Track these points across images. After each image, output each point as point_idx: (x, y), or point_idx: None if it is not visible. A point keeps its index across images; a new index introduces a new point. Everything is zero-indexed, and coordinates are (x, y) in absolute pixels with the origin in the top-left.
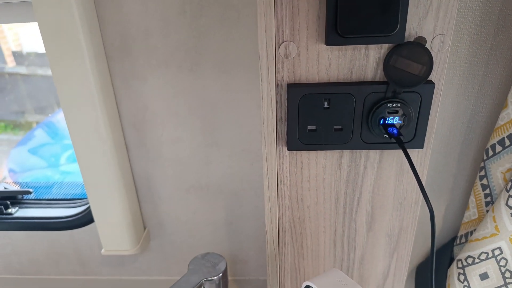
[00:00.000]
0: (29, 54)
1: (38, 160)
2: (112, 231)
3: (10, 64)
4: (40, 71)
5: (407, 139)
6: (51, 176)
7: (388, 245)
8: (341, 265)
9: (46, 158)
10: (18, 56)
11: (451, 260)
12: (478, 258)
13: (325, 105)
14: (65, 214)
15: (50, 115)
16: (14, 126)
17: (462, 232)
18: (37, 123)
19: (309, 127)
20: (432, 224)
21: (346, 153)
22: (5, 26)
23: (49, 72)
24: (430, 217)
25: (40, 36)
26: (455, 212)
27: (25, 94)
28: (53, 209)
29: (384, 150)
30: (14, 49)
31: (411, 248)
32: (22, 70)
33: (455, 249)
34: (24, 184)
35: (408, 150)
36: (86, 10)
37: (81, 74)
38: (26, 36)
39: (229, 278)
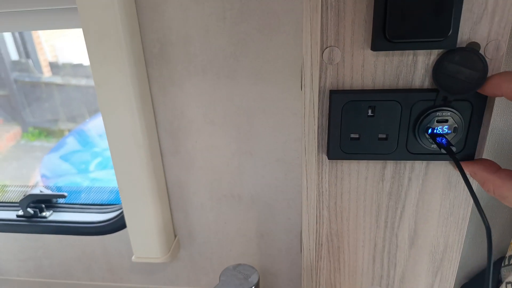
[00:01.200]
0: (64, 65)
1: (68, 166)
2: (144, 238)
3: (46, 74)
4: (73, 81)
5: (456, 150)
6: (81, 182)
7: (432, 263)
8: (380, 282)
9: (76, 165)
10: (54, 67)
11: (499, 282)
12: None
13: (369, 113)
14: (97, 220)
15: (81, 123)
16: (47, 133)
17: (510, 252)
18: (69, 131)
19: (352, 135)
20: (488, 241)
21: (390, 164)
22: (43, 38)
23: (82, 82)
24: (486, 235)
25: (84, 41)
26: (503, 229)
27: (59, 103)
28: (85, 213)
29: (430, 162)
30: (51, 60)
31: (456, 267)
32: (57, 80)
33: (503, 270)
34: (58, 188)
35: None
36: (128, 16)
37: (121, 80)
38: (62, 48)
39: None
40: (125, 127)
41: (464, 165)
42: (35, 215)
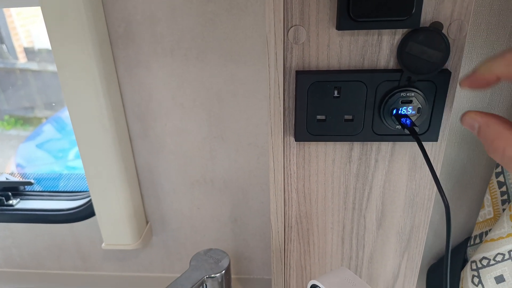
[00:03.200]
0: (40, 50)
1: (45, 155)
2: (113, 225)
3: (22, 60)
4: (50, 67)
5: (421, 131)
6: (58, 171)
7: (399, 243)
8: (349, 263)
9: (53, 153)
10: (30, 53)
11: (465, 261)
12: (494, 259)
13: (335, 94)
14: (66, 207)
15: (59, 110)
16: (23, 121)
17: (476, 232)
18: (46, 118)
19: (318, 117)
20: (447, 220)
21: (357, 146)
22: (17, 23)
23: None
24: (445, 213)
25: (43, 21)
26: (469, 210)
27: (35, 90)
28: (54, 201)
29: (396, 142)
30: (26, 45)
31: (423, 247)
32: (33, 66)
33: (469, 250)
34: (30, 175)
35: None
36: None
37: (84, 60)
38: (38, 33)
39: (233, 276)
40: (90, 110)
41: (477, 115)
42: (1, 203)
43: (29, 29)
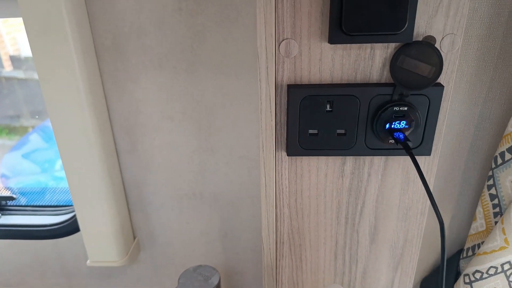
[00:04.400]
0: (26, 58)
1: (32, 165)
2: (99, 241)
3: (8, 68)
4: (37, 76)
5: (414, 145)
6: (44, 182)
7: (392, 258)
8: (342, 279)
9: (40, 164)
10: (16, 61)
11: (458, 274)
12: (487, 273)
13: (328, 108)
14: (50, 222)
15: (46, 119)
16: (9, 130)
17: (469, 244)
18: (33, 127)
19: (310, 131)
20: (442, 238)
21: (349, 160)
22: (4, 31)
23: None
24: (440, 231)
25: (25, 33)
26: (461, 223)
27: (21, 98)
28: (38, 216)
29: (389, 156)
30: (12, 53)
31: (416, 261)
32: (19, 74)
33: (462, 262)
34: (14, 189)
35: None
36: (75, 6)
37: (68, 74)
38: (24, 41)
39: None
40: (74, 124)
41: None
42: None
43: (15, 36)
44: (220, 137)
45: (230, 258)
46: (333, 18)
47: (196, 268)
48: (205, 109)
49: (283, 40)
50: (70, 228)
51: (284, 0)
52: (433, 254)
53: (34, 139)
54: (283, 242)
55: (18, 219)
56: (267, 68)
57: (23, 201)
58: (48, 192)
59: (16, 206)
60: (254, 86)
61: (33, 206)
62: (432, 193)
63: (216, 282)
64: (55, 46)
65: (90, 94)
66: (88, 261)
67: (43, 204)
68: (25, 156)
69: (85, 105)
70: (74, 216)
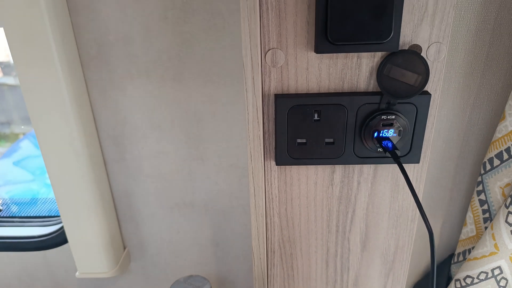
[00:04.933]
0: None
1: (23, 172)
2: (88, 252)
3: None
4: None
5: (402, 153)
6: (36, 189)
7: (384, 265)
8: (334, 287)
9: (31, 171)
10: (6, 67)
11: (449, 279)
12: (478, 278)
13: (316, 117)
14: (38, 234)
15: None
16: (0, 137)
17: (459, 249)
18: (24, 134)
19: (299, 141)
20: (431, 247)
21: (338, 168)
22: None
23: None
24: (429, 241)
25: (7, 43)
26: (452, 228)
27: (12, 104)
28: (26, 227)
29: (378, 164)
30: (2, 59)
31: (407, 268)
32: (10, 80)
33: (453, 267)
34: (7, 199)
35: (403, 165)
36: (58, 15)
37: (52, 84)
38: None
39: None
40: (60, 135)
41: None
42: None
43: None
44: (209, 146)
45: (222, 267)
46: (319, 28)
47: (187, 278)
48: (194, 118)
49: (269, 50)
50: (59, 239)
51: (269, 9)
52: (426, 259)
53: (25, 146)
54: (274, 251)
55: (5, 230)
56: (253, 78)
57: (14, 209)
58: (39, 202)
59: (3, 217)
60: (243, 94)
61: (20, 217)
62: (422, 199)
63: None
64: (38, 56)
65: (75, 103)
66: (77, 273)
67: (33, 214)
68: (16, 163)
69: (70, 114)
70: (63, 226)
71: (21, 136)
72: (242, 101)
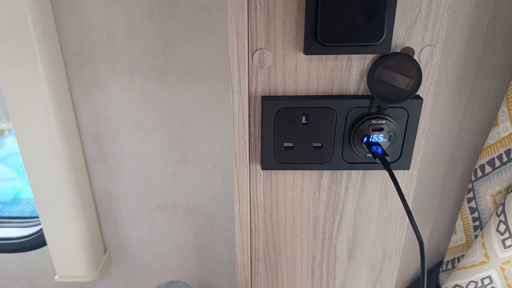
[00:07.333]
0: None
1: (7, 169)
2: (67, 255)
3: None
4: None
5: (392, 159)
6: (19, 187)
7: (371, 273)
8: None
9: (16, 168)
10: None
11: (437, 287)
12: (467, 287)
13: (303, 120)
14: (17, 235)
15: None
16: None
17: (448, 257)
18: (9, 130)
19: (286, 144)
20: (422, 258)
21: (326, 173)
22: None
23: None
24: (420, 251)
25: None
26: (441, 235)
27: None
28: (4, 228)
29: (367, 170)
30: None
31: (395, 276)
32: None
33: (441, 275)
34: None
35: (393, 171)
36: (40, 10)
37: (32, 80)
38: None
39: None
40: (39, 132)
41: None
42: None
43: None
44: (193, 147)
45: (205, 271)
46: (309, 28)
47: (168, 284)
48: (177, 118)
49: (256, 50)
50: (38, 241)
51: (257, 8)
52: (413, 266)
53: (10, 142)
54: (258, 258)
55: None
56: (240, 79)
57: None
58: (22, 201)
59: None
60: (228, 95)
61: (0, 217)
62: (412, 206)
63: None
64: (19, 51)
65: (56, 100)
66: (56, 277)
67: (15, 214)
68: (1, 160)
69: (50, 112)
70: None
71: (6, 133)
72: (227, 101)
